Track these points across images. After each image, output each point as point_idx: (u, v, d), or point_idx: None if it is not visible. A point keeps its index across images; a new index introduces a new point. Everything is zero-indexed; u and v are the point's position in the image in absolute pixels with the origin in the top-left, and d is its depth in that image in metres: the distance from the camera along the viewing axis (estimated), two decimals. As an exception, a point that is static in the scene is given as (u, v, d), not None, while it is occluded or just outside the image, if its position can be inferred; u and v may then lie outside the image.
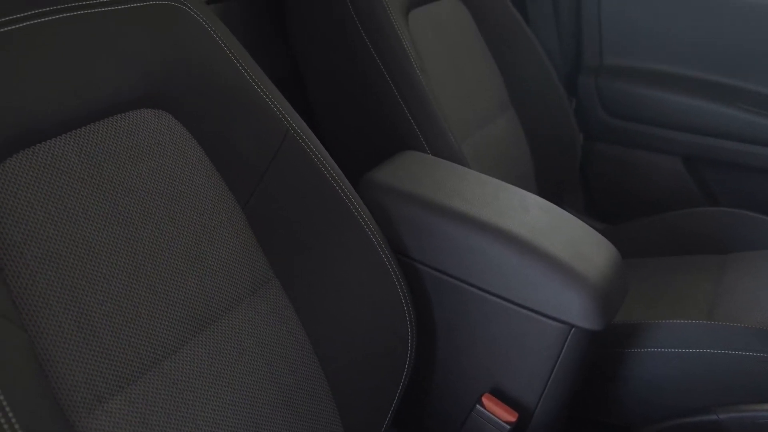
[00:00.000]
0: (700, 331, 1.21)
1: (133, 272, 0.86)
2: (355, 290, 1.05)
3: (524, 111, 1.78)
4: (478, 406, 1.13)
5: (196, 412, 0.88)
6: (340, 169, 1.07)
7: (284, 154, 1.03)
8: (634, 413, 1.27)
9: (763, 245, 1.57)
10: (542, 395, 1.10)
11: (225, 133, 1.01)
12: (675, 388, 1.21)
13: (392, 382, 1.09)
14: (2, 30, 0.80)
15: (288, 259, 1.04)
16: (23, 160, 0.81)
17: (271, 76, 1.08)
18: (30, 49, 0.82)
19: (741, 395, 1.18)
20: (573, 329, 1.04)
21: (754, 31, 1.80)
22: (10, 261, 0.77)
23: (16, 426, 0.66)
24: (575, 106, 2.02)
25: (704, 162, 1.92)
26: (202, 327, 0.92)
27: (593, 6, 1.98)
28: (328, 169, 1.04)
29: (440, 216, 1.09)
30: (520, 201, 1.15)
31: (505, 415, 1.11)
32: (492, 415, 1.11)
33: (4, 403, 0.66)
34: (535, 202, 1.16)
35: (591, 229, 1.14)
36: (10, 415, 0.66)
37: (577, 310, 1.02)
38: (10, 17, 0.82)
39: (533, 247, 1.05)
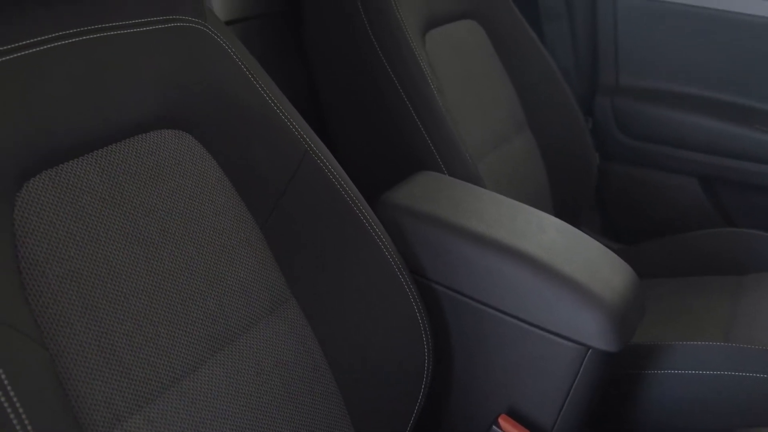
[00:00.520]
0: (717, 353, 1.21)
1: (153, 291, 0.87)
2: (372, 310, 1.06)
3: (540, 131, 1.78)
4: (494, 426, 1.13)
5: (214, 431, 0.88)
6: (356, 187, 1.07)
7: (303, 174, 1.03)
8: (651, 435, 1.26)
9: (780, 266, 1.57)
10: (558, 416, 1.10)
11: (244, 153, 1.02)
12: (692, 410, 1.21)
13: (408, 402, 1.09)
14: (26, 52, 0.82)
15: (305, 279, 1.05)
16: (46, 180, 0.82)
17: (288, 95, 1.09)
18: (53, 71, 0.83)
19: (759, 418, 1.17)
20: (590, 350, 1.04)
21: (770, 52, 1.81)
22: (32, 280, 0.77)
23: None
24: (591, 126, 2.02)
25: (720, 182, 1.92)
26: (221, 346, 0.92)
27: (609, 26, 1.98)
28: (346, 189, 1.04)
29: (457, 237, 1.10)
30: (537, 222, 1.15)
31: (522, 436, 1.11)
32: (508, 436, 1.11)
33: (26, 421, 0.67)
34: (551, 223, 1.16)
35: (607, 250, 1.14)
36: None
37: (593, 331, 1.02)
38: (34, 39, 0.83)
39: (550, 268, 1.05)
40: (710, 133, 1.87)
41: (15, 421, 0.66)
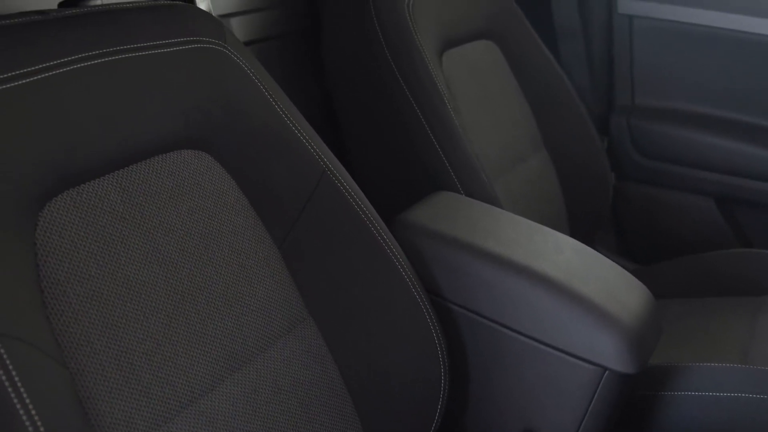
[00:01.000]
0: (735, 374, 1.20)
1: (172, 311, 0.87)
2: (389, 330, 1.06)
3: (556, 150, 1.78)
4: (510, 447, 1.13)
5: (231, 450, 0.89)
6: (373, 206, 1.08)
7: (320, 194, 1.04)
8: (668, 457, 1.26)
9: (798, 287, 1.56)
10: (575, 438, 1.09)
11: (263, 173, 1.02)
12: (710, 432, 1.21)
13: (424, 422, 1.09)
14: (50, 73, 0.83)
15: (323, 298, 1.05)
16: (68, 200, 0.82)
17: (306, 115, 1.10)
18: (75, 92, 0.84)
19: (777, 441, 1.17)
20: (607, 372, 1.04)
21: (787, 72, 1.80)
22: (54, 299, 0.78)
23: None
24: (607, 146, 2.02)
25: (737, 202, 1.92)
26: (239, 366, 0.93)
27: (625, 46, 1.98)
28: (363, 209, 1.05)
29: (474, 257, 1.10)
30: (554, 242, 1.16)
31: (538, 457, 1.10)
32: (525, 457, 1.11)
33: (47, 439, 0.67)
34: (568, 244, 1.16)
35: (624, 270, 1.14)
36: None
37: (610, 352, 1.02)
38: (57, 61, 0.84)
39: (567, 289, 1.05)
40: (726, 153, 1.86)
41: None
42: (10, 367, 0.66)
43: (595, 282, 1.07)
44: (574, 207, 1.80)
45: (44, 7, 0.93)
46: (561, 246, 1.15)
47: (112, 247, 0.84)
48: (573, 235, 1.79)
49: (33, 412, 0.67)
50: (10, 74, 0.79)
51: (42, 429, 0.67)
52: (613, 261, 1.16)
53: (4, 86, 0.78)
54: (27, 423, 0.66)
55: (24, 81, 0.80)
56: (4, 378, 0.66)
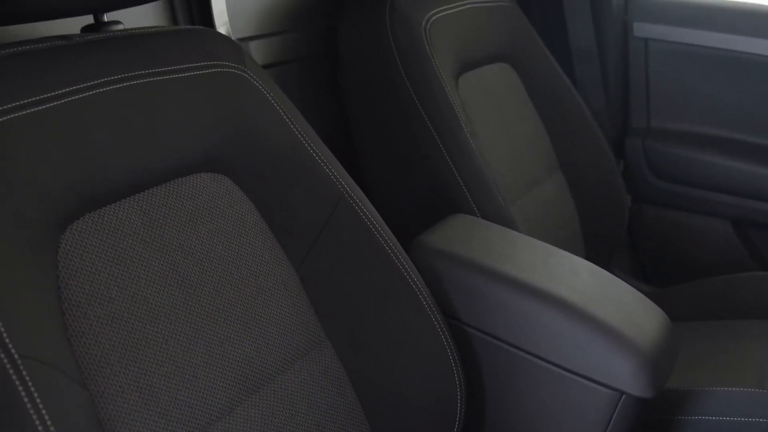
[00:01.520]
0: (753, 399, 1.20)
1: (191, 333, 0.88)
2: (406, 352, 1.06)
3: (572, 173, 1.78)
4: (527, 471, 1.12)
5: (249, 473, 0.89)
6: (389, 228, 1.08)
7: (338, 216, 1.04)
8: (685, 483, 1.25)
9: (815, 311, 1.55)
10: (592, 462, 1.09)
11: (281, 195, 1.03)
12: (728, 457, 1.20)
13: (441, 445, 1.09)
14: (73, 98, 0.84)
15: (340, 321, 1.05)
16: (89, 223, 0.83)
17: (324, 137, 1.11)
18: (98, 116, 0.86)
19: (796, 467, 1.16)
20: (623, 396, 1.04)
21: (803, 96, 1.80)
22: (75, 321, 0.79)
23: None
24: (623, 169, 2.02)
25: (754, 225, 1.91)
26: (256, 388, 0.93)
27: (641, 69, 1.99)
28: (380, 232, 1.05)
29: (491, 280, 1.10)
30: (570, 266, 1.16)
31: (554, 481, 1.10)
32: (541, 481, 1.11)
33: (67, 461, 0.68)
34: (584, 267, 1.16)
35: (640, 294, 1.14)
36: None
37: (627, 376, 1.02)
38: (81, 85, 0.85)
39: (583, 313, 1.05)
40: (743, 176, 1.86)
41: None
42: (32, 388, 0.67)
43: (611, 305, 1.07)
44: (589, 229, 1.80)
45: (67, 32, 0.94)
46: (577, 269, 1.15)
47: (132, 270, 0.85)
48: (589, 257, 1.79)
49: (54, 433, 0.68)
50: (34, 99, 0.81)
51: None
52: (629, 283, 1.16)
53: (29, 110, 0.79)
54: (48, 444, 0.67)
55: (48, 105, 0.81)
56: (26, 399, 0.66)
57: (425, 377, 1.06)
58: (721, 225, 1.94)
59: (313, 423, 0.98)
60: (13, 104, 0.79)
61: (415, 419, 1.07)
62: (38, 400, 0.67)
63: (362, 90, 1.50)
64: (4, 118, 0.77)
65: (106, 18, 0.98)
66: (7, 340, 0.68)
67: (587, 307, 1.05)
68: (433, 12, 1.49)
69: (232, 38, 1.36)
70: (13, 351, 0.68)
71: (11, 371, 0.67)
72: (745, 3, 1.86)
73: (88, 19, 0.97)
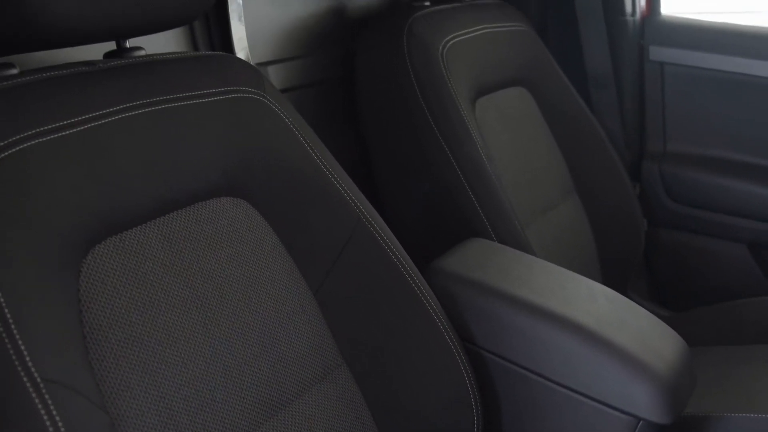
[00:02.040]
0: (771, 426, 1.19)
1: (210, 357, 0.88)
2: (422, 377, 1.06)
3: (588, 197, 1.79)
4: (543, 496, 1.12)
5: (266, 496, 0.89)
6: (406, 251, 1.09)
7: (355, 241, 1.05)
8: None
9: (833, 336, 1.54)
10: (609, 488, 1.09)
11: (299, 220, 1.04)
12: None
13: (457, 470, 1.09)
14: (96, 123, 0.85)
15: (357, 345, 1.06)
16: (111, 247, 0.84)
17: (341, 161, 1.12)
18: (120, 142, 0.87)
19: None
20: (641, 422, 1.03)
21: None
22: (96, 344, 0.79)
23: None
24: (639, 192, 2.02)
25: (771, 249, 1.91)
26: (274, 412, 0.93)
27: (657, 93, 1.99)
28: (398, 256, 1.06)
29: (508, 305, 1.10)
30: (587, 290, 1.16)
31: (571, 508, 1.10)
32: (558, 508, 1.10)
33: (87, 485, 0.68)
34: (601, 292, 1.16)
35: (657, 319, 1.14)
36: None
37: (644, 402, 1.02)
38: (104, 111, 0.86)
39: (600, 338, 1.05)
40: (759, 200, 1.85)
41: None
42: (54, 412, 0.68)
43: (628, 331, 1.07)
44: (606, 253, 1.80)
45: (90, 58, 0.96)
46: (594, 294, 1.15)
47: (152, 294, 0.86)
48: (605, 281, 1.78)
49: (74, 457, 0.68)
50: (58, 124, 0.82)
51: None
52: (646, 307, 1.16)
53: (53, 136, 0.81)
54: (69, 468, 0.67)
55: (72, 131, 0.82)
56: (48, 423, 0.67)
57: (442, 401, 1.06)
58: (738, 249, 1.93)
59: (330, 447, 0.99)
60: (38, 130, 0.80)
61: (432, 443, 1.07)
62: (60, 424, 0.67)
63: (379, 114, 1.50)
64: (29, 144, 0.78)
65: (128, 44, 0.99)
66: (29, 364, 0.69)
67: (604, 332, 1.05)
68: (450, 37, 1.50)
69: (251, 63, 1.37)
70: (35, 374, 0.68)
71: (34, 395, 0.67)
72: (761, 27, 1.86)
73: (111, 45, 0.99)
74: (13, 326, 0.69)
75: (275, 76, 1.48)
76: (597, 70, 1.99)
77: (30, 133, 0.79)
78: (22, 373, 0.68)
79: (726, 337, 1.66)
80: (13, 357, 0.68)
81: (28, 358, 0.69)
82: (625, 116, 2.01)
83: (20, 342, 0.69)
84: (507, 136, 1.61)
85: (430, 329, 1.06)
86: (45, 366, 0.70)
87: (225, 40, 1.39)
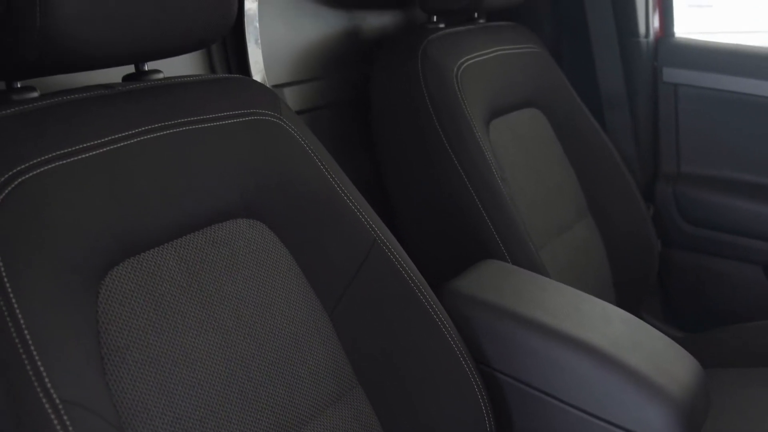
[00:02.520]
0: (787, 449, 1.19)
1: (226, 379, 0.89)
2: (437, 398, 1.07)
3: (602, 218, 1.79)
4: None
5: None
6: (420, 272, 1.09)
7: (371, 263, 1.06)
8: None
9: None
10: None
11: (315, 242, 1.04)
12: None
13: (471, 492, 1.09)
14: (116, 146, 0.86)
15: (371, 367, 1.06)
16: (129, 269, 0.85)
17: (356, 182, 1.12)
18: (139, 164, 0.88)
19: None
20: (656, 445, 1.03)
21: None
22: (113, 365, 0.80)
23: None
24: (653, 214, 2.02)
25: (786, 271, 1.90)
26: None
27: (671, 114, 1.99)
28: (413, 278, 1.06)
29: (522, 327, 1.10)
30: (601, 312, 1.16)
31: None
32: None
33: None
34: (615, 314, 1.16)
35: (672, 341, 1.14)
36: None
37: (659, 424, 1.02)
38: (123, 134, 0.87)
39: (615, 360, 1.05)
40: (773, 222, 1.85)
41: None
42: (72, 432, 0.68)
43: (643, 353, 1.07)
44: (620, 274, 1.80)
45: (109, 80, 0.97)
46: (608, 316, 1.15)
47: (169, 315, 0.86)
48: (619, 302, 1.78)
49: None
50: (78, 147, 0.83)
51: None
52: (660, 329, 1.16)
53: (73, 159, 0.82)
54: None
55: (91, 154, 0.83)
56: (66, 444, 0.68)
57: (456, 423, 1.06)
58: (752, 270, 1.92)
59: (345, 469, 0.99)
60: (58, 153, 0.81)
61: (446, 465, 1.07)
62: (78, 444, 0.68)
63: (394, 135, 1.51)
64: (50, 166, 0.79)
65: (146, 67, 1.00)
66: (48, 385, 0.69)
67: (619, 354, 1.05)
68: (465, 59, 1.51)
69: (268, 85, 1.39)
70: (54, 396, 0.69)
71: (53, 416, 0.68)
72: (775, 48, 1.87)
73: (129, 68, 1.00)
74: (33, 348, 0.70)
75: (291, 97, 1.49)
76: (610, 91, 2.00)
77: (50, 155, 0.80)
78: (41, 395, 0.69)
79: (741, 359, 1.66)
80: (33, 379, 0.69)
81: (47, 380, 0.69)
82: (639, 137, 2.01)
83: (40, 364, 0.70)
84: (521, 157, 1.61)
85: (444, 351, 1.06)
86: (64, 387, 0.70)
87: (242, 63, 1.41)
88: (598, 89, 2.01)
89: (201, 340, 0.88)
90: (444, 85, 1.44)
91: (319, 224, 1.05)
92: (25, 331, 0.70)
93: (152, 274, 0.87)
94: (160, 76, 1.01)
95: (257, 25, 1.41)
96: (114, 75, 1.00)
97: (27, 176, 0.77)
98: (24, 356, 0.69)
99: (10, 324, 0.70)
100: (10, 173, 0.77)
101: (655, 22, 1.98)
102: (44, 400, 0.68)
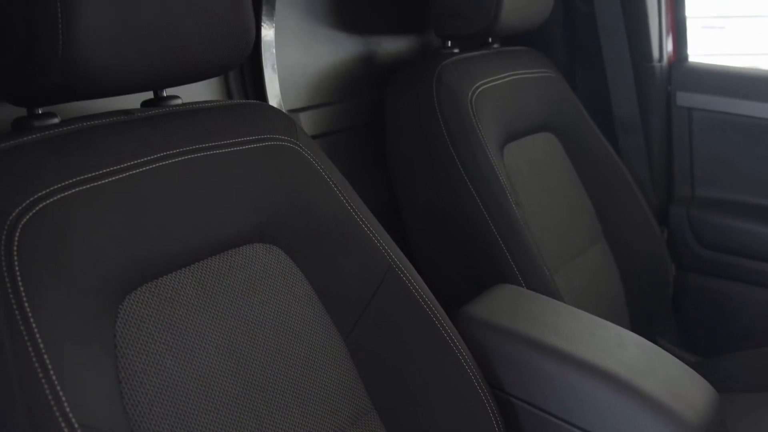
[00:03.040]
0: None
1: (242, 402, 0.89)
2: (452, 423, 1.06)
3: (616, 242, 1.79)
4: None
5: None
6: (434, 296, 1.10)
7: (386, 287, 1.06)
8: None
9: None
10: None
11: (330, 266, 1.05)
12: None
13: None
14: (135, 171, 0.87)
15: (386, 391, 1.06)
16: (147, 293, 0.86)
17: (371, 206, 1.13)
18: (158, 189, 0.89)
19: None
20: (671, 471, 1.03)
21: None
22: (130, 389, 0.81)
23: None
24: (667, 237, 2.02)
25: (801, 295, 1.89)
26: None
27: (684, 138, 1.99)
28: (428, 303, 1.07)
29: (537, 352, 1.10)
30: (616, 337, 1.16)
31: None
32: None
33: None
34: (630, 339, 1.16)
35: (687, 367, 1.14)
36: None
37: (675, 451, 1.01)
38: (142, 159, 0.88)
39: (630, 386, 1.05)
40: (788, 246, 1.85)
41: None
42: (90, 457, 0.69)
43: (657, 378, 1.07)
44: (634, 298, 1.80)
45: (128, 106, 0.98)
46: (623, 341, 1.15)
47: (186, 339, 0.87)
48: (633, 326, 1.78)
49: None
50: (98, 173, 0.84)
51: None
52: (674, 353, 1.16)
53: (93, 184, 0.83)
54: None
55: (111, 179, 0.84)
56: (84, 468, 0.68)
57: (471, 448, 1.07)
58: (767, 295, 1.92)
59: (360, 493, 0.99)
60: (79, 178, 0.82)
61: (461, 491, 1.07)
62: (95, 468, 0.69)
63: (408, 160, 1.52)
64: (70, 192, 0.80)
65: (165, 93, 1.01)
66: (67, 409, 0.70)
67: (634, 380, 1.05)
68: (479, 84, 1.52)
69: (284, 110, 1.40)
70: (73, 420, 0.70)
71: None
72: (788, 72, 1.87)
73: (148, 93, 1.01)
74: (52, 372, 0.71)
75: (306, 122, 1.50)
76: (624, 115, 2.00)
77: (71, 181, 0.81)
78: (60, 418, 0.69)
79: (756, 384, 1.65)
80: (52, 402, 0.70)
81: (66, 404, 0.70)
82: (653, 161, 2.01)
83: (59, 388, 0.70)
84: (535, 181, 1.62)
85: (459, 375, 1.06)
86: (82, 411, 0.71)
87: (258, 88, 1.42)
88: (612, 113, 2.01)
89: (217, 365, 0.89)
90: (459, 110, 1.45)
91: (335, 249, 1.06)
92: (45, 356, 0.71)
93: (170, 299, 0.88)
94: (179, 101, 1.02)
95: (274, 51, 1.43)
96: (133, 100, 1.01)
97: (48, 202, 0.78)
98: (43, 380, 0.70)
99: (30, 348, 0.71)
100: (32, 199, 0.78)
101: (669, 46, 1.98)
102: (63, 424, 0.69)
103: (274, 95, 1.43)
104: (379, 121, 1.57)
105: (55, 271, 0.77)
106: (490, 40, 1.73)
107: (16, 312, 0.72)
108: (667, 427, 1.01)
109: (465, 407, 1.06)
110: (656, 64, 1.94)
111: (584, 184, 1.78)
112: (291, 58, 1.53)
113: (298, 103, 1.55)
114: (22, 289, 0.73)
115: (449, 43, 1.64)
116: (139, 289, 0.86)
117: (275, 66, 1.43)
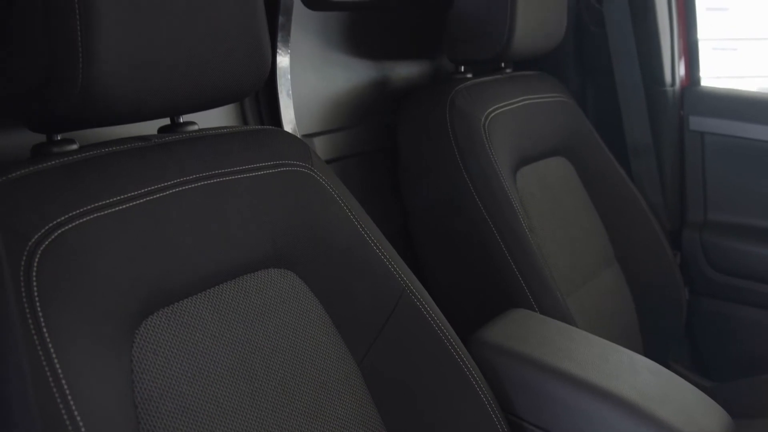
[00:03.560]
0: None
1: (257, 427, 0.90)
2: (465, 449, 1.07)
3: (629, 266, 1.79)
4: None
5: None
6: (447, 320, 1.10)
7: (400, 312, 1.07)
8: None
9: None
10: None
11: (344, 291, 1.06)
12: None
13: None
14: (152, 197, 0.88)
15: (400, 416, 1.06)
16: (163, 318, 0.87)
17: (383, 230, 1.14)
18: (174, 215, 0.89)
19: None
20: (685, 498, 1.03)
21: None
22: (147, 414, 0.81)
23: None
24: (680, 261, 2.02)
25: (816, 320, 1.89)
26: None
27: (697, 162, 2.00)
28: (441, 328, 1.07)
29: (550, 377, 1.11)
30: (629, 363, 1.16)
31: None
32: None
33: None
34: (643, 365, 1.16)
35: (701, 392, 1.14)
36: None
37: (689, 477, 1.01)
38: (159, 185, 0.89)
39: (644, 412, 1.04)
40: (802, 270, 1.85)
41: None
42: (108, 483, 0.70)
43: (671, 404, 1.07)
44: (647, 323, 1.79)
45: (145, 132, 0.99)
46: (636, 366, 1.15)
47: (202, 364, 0.88)
48: (646, 350, 1.77)
49: None
50: (115, 198, 0.85)
51: None
52: (688, 378, 1.15)
53: (111, 210, 0.84)
54: None
55: (128, 205, 0.85)
56: (101, 493, 0.69)
57: (485, 474, 1.06)
58: (780, 319, 1.91)
59: None
60: (97, 204, 0.83)
61: None
62: (112, 493, 0.69)
63: (421, 184, 1.53)
64: (89, 218, 0.81)
65: (181, 119, 1.03)
66: None
67: (648, 406, 1.05)
68: (492, 108, 1.53)
69: (298, 135, 1.41)
70: None
71: None
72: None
73: (165, 119, 1.02)
74: (69, 397, 0.71)
75: (321, 146, 1.51)
76: (636, 139, 2.00)
77: (89, 207, 0.82)
78: None
79: (770, 410, 1.64)
80: (70, 427, 0.70)
81: (83, 428, 0.71)
82: (666, 185, 2.01)
83: (76, 413, 0.71)
84: (548, 205, 1.62)
85: (472, 400, 1.06)
86: None
87: (274, 114, 1.43)
88: (624, 137, 2.01)
89: (232, 390, 0.89)
90: (472, 135, 1.46)
91: (349, 274, 1.06)
92: (63, 381, 0.72)
93: (186, 324, 0.88)
94: (195, 128, 1.03)
95: (289, 77, 1.44)
96: (149, 126, 1.02)
97: (66, 228, 0.79)
98: (61, 405, 0.71)
99: (47, 372, 0.72)
100: (51, 224, 0.79)
101: (681, 70, 1.99)
102: None
103: (288, 121, 1.44)
104: (392, 146, 1.58)
105: (73, 296, 0.77)
106: (502, 64, 1.74)
107: (35, 336, 0.73)
108: (681, 454, 1.01)
109: (478, 432, 1.06)
110: (668, 88, 1.95)
111: (597, 208, 1.78)
112: (306, 84, 1.55)
113: (312, 128, 1.56)
114: (40, 313, 0.74)
115: (462, 68, 1.65)
116: (156, 314, 0.86)
117: (290, 92, 1.45)
